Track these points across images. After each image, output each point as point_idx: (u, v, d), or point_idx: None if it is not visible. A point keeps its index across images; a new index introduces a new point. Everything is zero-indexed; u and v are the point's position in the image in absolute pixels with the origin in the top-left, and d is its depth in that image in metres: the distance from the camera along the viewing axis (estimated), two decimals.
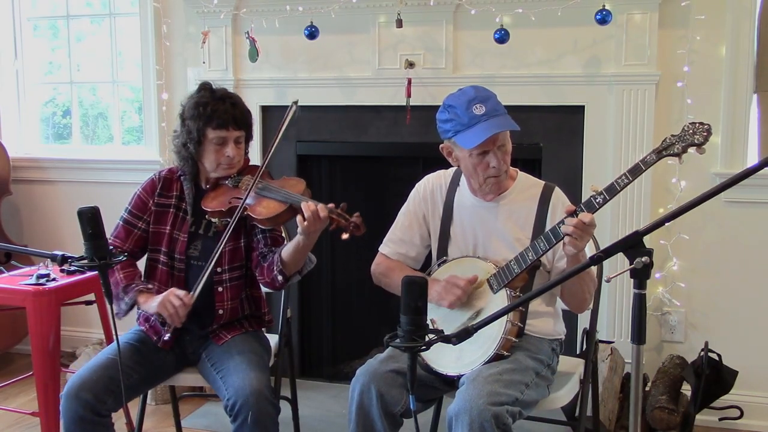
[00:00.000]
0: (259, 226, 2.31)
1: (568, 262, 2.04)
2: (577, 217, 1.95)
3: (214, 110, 2.29)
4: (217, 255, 2.28)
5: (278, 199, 2.25)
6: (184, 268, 2.38)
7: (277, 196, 2.26)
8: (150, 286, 2.36)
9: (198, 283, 2.28)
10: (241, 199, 2.28)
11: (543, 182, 2.31)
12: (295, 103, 2.45)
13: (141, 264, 2.47)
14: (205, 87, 2.38)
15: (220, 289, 2.38)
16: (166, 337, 2.30)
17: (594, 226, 1.96)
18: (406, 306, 1.50)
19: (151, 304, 2.27)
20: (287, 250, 2.24)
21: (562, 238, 2.02)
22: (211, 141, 2.31)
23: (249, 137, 2.43)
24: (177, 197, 2.42)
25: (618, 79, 3.09)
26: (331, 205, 2.17)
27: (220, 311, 2.38)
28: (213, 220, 2.34)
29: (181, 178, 2.43)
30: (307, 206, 2.14)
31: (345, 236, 2.16)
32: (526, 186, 2.29)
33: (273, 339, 2.62)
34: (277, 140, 2.42)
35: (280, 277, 2.26)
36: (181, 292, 2.24)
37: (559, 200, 2.25)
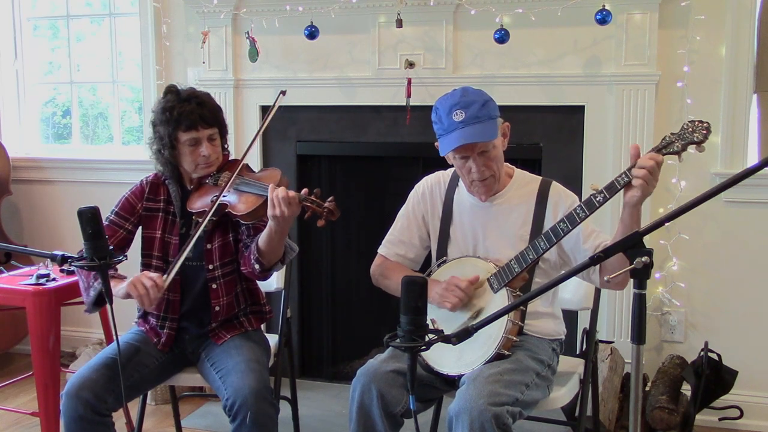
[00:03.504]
0: (242, 221, 2.30)
1: (625, 216, 1.95)
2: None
3: (181, 112, 2.28)
4: (193, 241, 2.25)
5: (255, 193, 2.23)
6: (179, 271, 2.37)
7: (254, 189, 2.24)
8: (121, 273, 2.30)
9: (171, 268, 2.24)
10: (223, 196, 2.28)
11: (540, 178, 2.30)
12: (283, 92, 2.47)
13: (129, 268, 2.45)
14: (170, 90, 2.36)
15: (214, 286, 2.37)
16: (135, 321, 2.19)
17: (659, 170, 1.88)
18: (406, 306, 1.50)
19: (121, 286, 2.20)
20: (262, 238, 2.21)
21: (563, 236, 2.02)
22: (185, 143, 2.30)
23: (223, 133, 2.42)
24: (164, 201, 2.42)
25: (618, 79, 3.09)
26: (304, 191, 2.13)
27: (217, 308, 2.38)
28: (200, 220, 2.34)
29: (166, 182, 2.43)
30: (272, 189, 2.11)
31: (321, 223, 2.12)
32: (524, 183, 2.29)
33: (273, 339, 2.62)
34: (262, 128, 2.43)
35: (257, 266, 2.24)
36: (154, 275, 2.19)
37: (559, 195, 2.24)
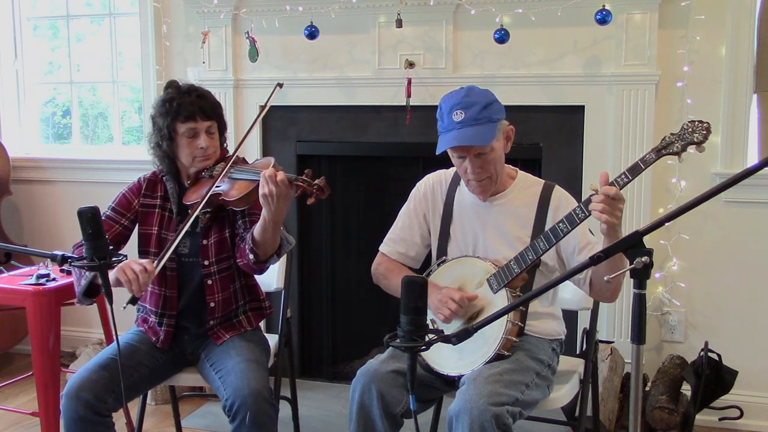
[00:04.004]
0: (234, 208, 2.30)
1: (604, 242, 1.97)
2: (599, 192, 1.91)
3: (180, 104, 2.30)
4: (186, 228, 2.25)
5: (248, 179, 2.24)
6: (176, 267, 2.38)
7: (246, 176, 2.25)
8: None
9: (163, 254, 2.24)
10: (217, 186, 2.28)
11: (543, 181, 2.30)
12: (279, 85, 2.49)
13: None
14: (171, 84, 2.39)
15: (209, 282, 2.37)
16: (123, 306, 2.16)
17: (622, 200, 1.90)
18: (406, 306, 1.50)
19: (112, 272, 2.15)
20: (257, 228, 2.20)
21: (563, 237, 2.02)
22: (183, 135, 2.32)
23: (222, 128, 2.43)
24: (161, 197, 2.42)
25: (618, 79, 3.09)
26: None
27: (212, 304, 2.37)
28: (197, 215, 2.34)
29: (164, 178, 2.43)
30: (263, 173, 2.10)
31: (310, 201, 2.11)
32: (526, 185, 2.29)
33: (273, 339, 2.62)
34: (256, 121, 2.45)
35: (251, 256, 2.22)
36: (144, 261, 2.17)
37: (560, 199, 2.24)
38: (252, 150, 3.52)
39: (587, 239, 2.15)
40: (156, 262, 2.21)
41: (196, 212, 2.27)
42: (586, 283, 2.15)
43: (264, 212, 2.13)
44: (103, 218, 2.35)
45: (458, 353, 2.07)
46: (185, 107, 2.30)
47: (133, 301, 2.19)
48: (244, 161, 2.41)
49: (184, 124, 2.31)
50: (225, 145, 2.47)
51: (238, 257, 2.35)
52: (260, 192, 2.09)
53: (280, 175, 2.07)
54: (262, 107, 2.49)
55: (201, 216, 2.34)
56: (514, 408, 1.96)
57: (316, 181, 2.11)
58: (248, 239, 2.23)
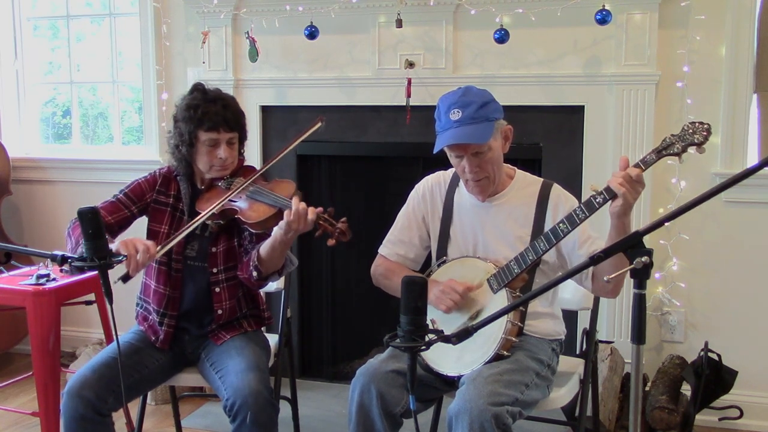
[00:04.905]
0: (250, 230, 2.30)
1: (613, 228, 1.98)
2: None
3: (205, 112, 2.28)
4: (191, 227, 2.25)
5: (268, 203, 2.24)
6: (181, 268, 2.38)
7: (267, 200, 2.25)
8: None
9: (168, 242, 2.23)
10: (233, 201, 2.28)
11: (541, 180, 2.30)
12: (322, 120, 2.46)
13: None
14: (197, 88, 2.37)
15: (217, 289, 2.38)
16: (114, 281, 2.09)
17: (642, 184, 1.91)
18: (406, 306, 1.50)
19: (114, 243, 2.13)
20: (265, 246, 2.21)
21: (563, 237, 2.02)
22: (203, 143, 2.31)
23: (243, 138, 2.42)
24: (174, 197, 2.42)
25: (618, 79, 3.09)
26: (319, 209, 2.15)
27: (219, 311, 2.38)
28: (207, 222, 2.34)
29: (177, 178, 2.43)
30: (296, 204, 2.12)
31: (331, 242, 2.14)
32: (525, 184, 2.29)
33: (273, 339, 2.62)
34: (287, 150, 2.42)
35: (255, 273, 2.24)
36: (149, 242, 2.15)
37: (559, 197, 2.24)
38: (252, 151, 3.52)
39: (587, 234, 2.15)
40: (160, 247, 2.20)
41: (202, 218, 2.26)
42: (588, 279, 2.15)
43: (278, 234, 2.15)
44: (113, 200, 2.38)
45: (458, 353, 2.07)
46: (210, 117, 2.28)
47: (124, 278, 2.12)
48: (262, 178, 2.39)
49: (207, 134, 2.29)
50: (242, 151, 2.46)
51: (239, 270, 2.36)
52: (285, 219, 2.11)
53: (311, 214, 2.10)
54: (296, 136, 2.44)
55: (212, 225, 2.34)
56: (514, 408, 1.96)
57: (339, 225, 2.14)
58: (254, 256, 2.24)
